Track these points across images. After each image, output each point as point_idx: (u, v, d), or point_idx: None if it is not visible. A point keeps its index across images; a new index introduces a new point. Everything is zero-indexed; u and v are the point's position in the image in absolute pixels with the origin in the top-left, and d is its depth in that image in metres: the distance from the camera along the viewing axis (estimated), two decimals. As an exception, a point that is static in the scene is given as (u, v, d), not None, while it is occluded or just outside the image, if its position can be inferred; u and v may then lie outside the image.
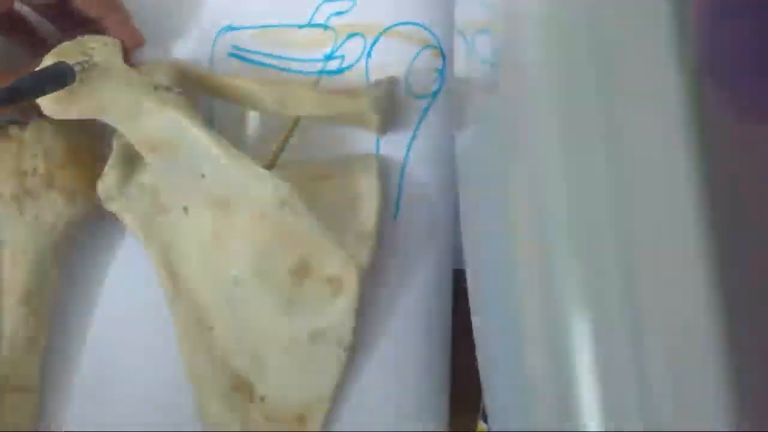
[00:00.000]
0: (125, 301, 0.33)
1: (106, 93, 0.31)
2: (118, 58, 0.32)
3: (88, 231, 0.35)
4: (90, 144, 0.35)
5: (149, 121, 0.31)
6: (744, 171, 0.21)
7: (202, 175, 0.32)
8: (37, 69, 0.30)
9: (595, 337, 0.20)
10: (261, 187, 0.31)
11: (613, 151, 0.20)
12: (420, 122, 0.36)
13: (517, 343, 0.23)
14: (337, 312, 0.32)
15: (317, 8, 0.37)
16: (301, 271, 0.32)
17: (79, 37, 0.33)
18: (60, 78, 0.30)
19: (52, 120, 0.32)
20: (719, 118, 0.21)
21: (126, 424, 0.34)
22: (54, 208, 0.33)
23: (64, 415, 0.35)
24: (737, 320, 0.19)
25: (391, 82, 0.35)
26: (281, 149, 0.36)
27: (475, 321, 0.28)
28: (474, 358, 0.28)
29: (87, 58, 0.31)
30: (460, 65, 0.31)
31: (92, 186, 0.33)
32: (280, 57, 0.37)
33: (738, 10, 0.22)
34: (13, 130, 0.33)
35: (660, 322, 0.19)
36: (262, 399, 0.32)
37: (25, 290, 0.33)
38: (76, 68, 0.31)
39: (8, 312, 0.32)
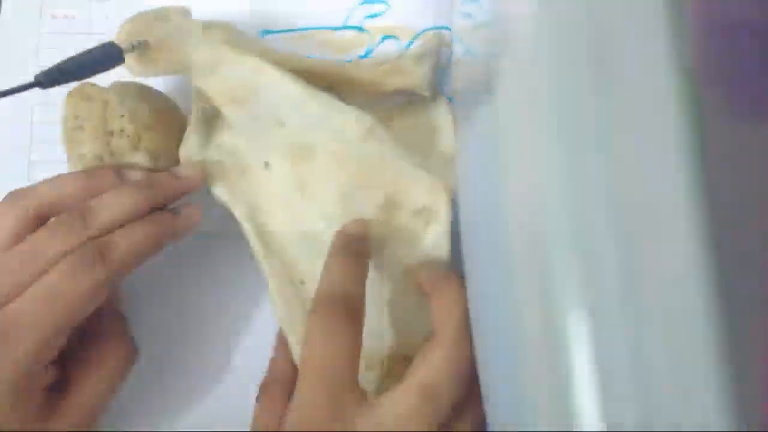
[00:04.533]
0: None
1: (185, 49, 0.32)
2: (190, 20, 0.33)
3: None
4: (171, 105, 0.35)
5: (228, 71, 0.31)
6: (744, 171, 0.20)
7: (282, 124, 0.32)
8: (84, 50, 0.31)
9: (594, 337, 0.20)
10: (344, 119, 0.31)
11: (612, 151, 0.20)
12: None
13: (516, 343, 0.23)
14: (430, 240, 0.32)
15: (351, 12, 0.37)
16: (389, 207, 0.32)
17: (139, 12, 0.34)
18: (107, 59, 0.31)
19: (134, 82, 0.33)
20: (719, 119, 0.20)
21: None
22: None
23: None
24: (737, 320, 0.19)
25: (437, 37, 0.35)
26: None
27: (475, 321, 0.28)
28: (474, 358, 0.29)
29: (140, 40, 0.31)
30: (459, 67, 0.31)
31: (173, 148, 0.33)
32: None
33: (737, 11, 0.21)
34: (95, 91, 0.32)
35: (660, 322, 0.20)
36: None
37: None
38: (126, 48, 0.31)
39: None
